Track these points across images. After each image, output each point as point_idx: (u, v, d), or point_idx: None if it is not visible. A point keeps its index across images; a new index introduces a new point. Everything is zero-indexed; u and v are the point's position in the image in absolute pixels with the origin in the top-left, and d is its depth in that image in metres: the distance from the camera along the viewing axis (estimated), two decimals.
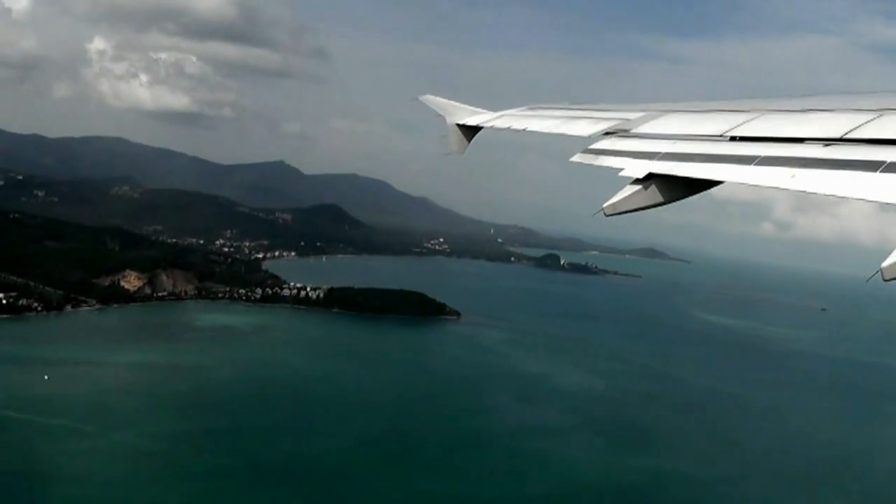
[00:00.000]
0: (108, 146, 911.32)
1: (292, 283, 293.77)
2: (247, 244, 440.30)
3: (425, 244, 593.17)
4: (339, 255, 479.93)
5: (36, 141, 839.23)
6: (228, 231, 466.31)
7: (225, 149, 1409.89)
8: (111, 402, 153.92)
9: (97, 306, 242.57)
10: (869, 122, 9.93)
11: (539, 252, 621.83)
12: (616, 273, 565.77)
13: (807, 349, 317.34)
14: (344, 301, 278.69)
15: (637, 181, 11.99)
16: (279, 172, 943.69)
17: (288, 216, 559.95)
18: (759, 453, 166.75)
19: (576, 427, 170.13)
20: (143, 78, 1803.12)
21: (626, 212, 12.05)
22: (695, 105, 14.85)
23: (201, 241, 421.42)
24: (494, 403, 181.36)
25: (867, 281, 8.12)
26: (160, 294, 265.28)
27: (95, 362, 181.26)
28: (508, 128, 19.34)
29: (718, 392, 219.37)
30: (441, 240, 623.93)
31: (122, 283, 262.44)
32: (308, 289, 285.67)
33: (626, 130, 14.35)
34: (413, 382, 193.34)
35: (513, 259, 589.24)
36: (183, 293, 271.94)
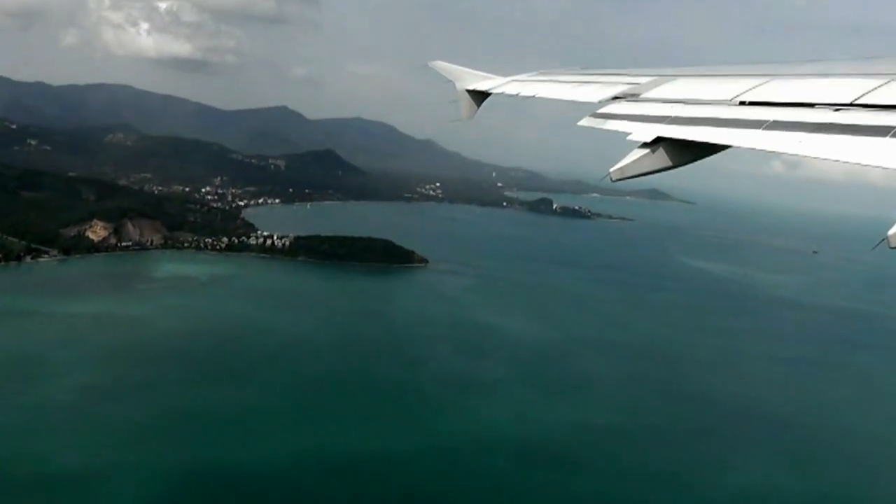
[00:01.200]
0: (113, 93, 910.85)
1: (259, 232, 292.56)
2: (232, 191, 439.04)
3: (419, 189, 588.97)
4: (327, 202, 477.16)
5: (40, 89, 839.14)
6: (218, 178, 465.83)
7: (230, 95, 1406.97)
8: (44, 354, 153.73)
9: (58, 257, 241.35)
10: (879, 87, 9.96)
11: (535, 196, 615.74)
12: (610, 217, 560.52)
13: (788, 296, 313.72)
14: (310, 249, 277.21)
15: (645, 145, 12.08)
16: (282, 118, 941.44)
17: (281, 162, 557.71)
18: (700, 404, 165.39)
19: (513, 379, 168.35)
20: (144, 26, 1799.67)
21: (633, 176, 12.17)
22: (704, 69, 15.03)
23: (187, 189, 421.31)
24: (436, 354, 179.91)
25: (873, 249, 8.60)
26: (124, 244, 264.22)
27: (39, 313, 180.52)
28: (518, 94, 19.60)
29: (677, 341, 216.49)
30: (438, 184, 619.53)
31: (88, 234, 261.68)
32: (275, 237, 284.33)
33: (635, 95, 14.58)
34: (358, 332, 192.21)
35: (505, 204, 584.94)
36: (149, 243, 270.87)
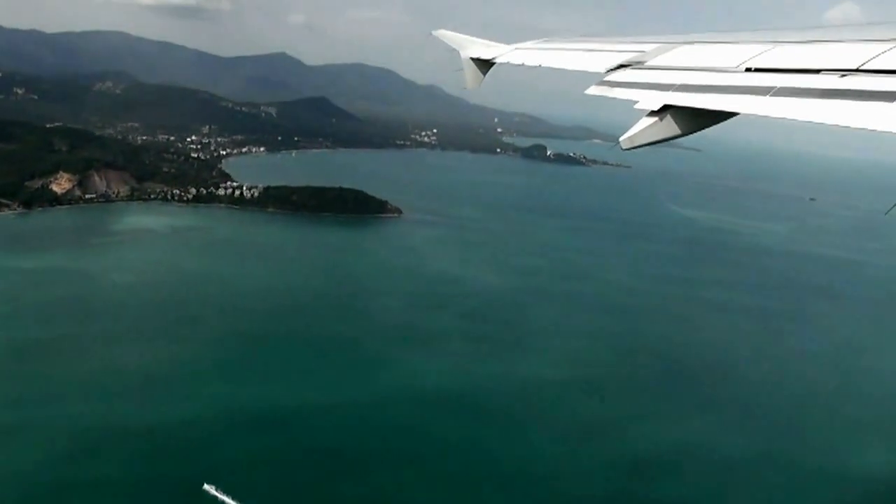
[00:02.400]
0: (109, 40, 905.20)
1: (229, 183, 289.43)
2: (218, 140, 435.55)
3: (413, 136, 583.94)
4: (314, 150, 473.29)
5: (34, 36, 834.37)
6: (207, 127, 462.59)
7: (229, 41, 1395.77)
8: None
9: (19, 210, 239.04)
10: (885, 52, 9.97)
11: (530, 142, 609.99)
12: (606, 163, 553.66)
13: (770, 244, 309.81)
14: (280, 200, 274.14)
15: (653, 113, 12.03)
16: (281, 64, 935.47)
17: (273, 110, 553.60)
18: (648, 356, 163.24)
19: (462, 331, 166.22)
20: None
21: (643, 145, 12.19)
22: (710, 36, 14.88)
23: (172, 138, 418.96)
24: (388, 306, 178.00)
25: (886, 214, 8.99)
26: (89, 196, 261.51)
27: None
28: (522, 63, 19.45)
29: (642, 292, 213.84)
30: (434, 131, 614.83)
31: (53, 186, 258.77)
32: (244, 188, 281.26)
33: (641, 62, 14.50)
34: (313, 283, 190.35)
35: (499, 150, 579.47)
36: (115, 194, 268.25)
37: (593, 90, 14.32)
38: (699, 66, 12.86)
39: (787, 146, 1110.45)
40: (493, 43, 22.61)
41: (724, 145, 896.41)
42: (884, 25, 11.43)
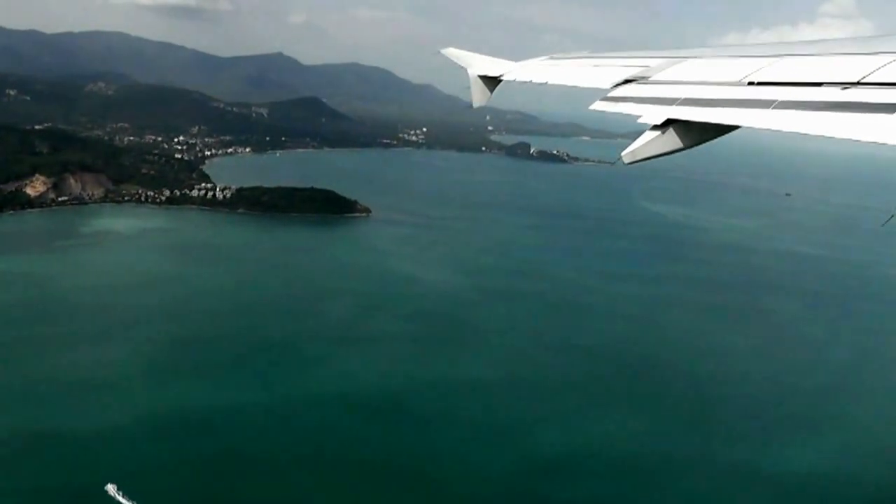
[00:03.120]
0: (108, 41, 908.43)
1: (203, 184, 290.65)
2: (205, 140, 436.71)
3: (402, 135, 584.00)
4: (300, 150, 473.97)
5: (33, 37, 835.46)
6: (196, 127, 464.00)
7: (228, 41, 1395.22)
8: None
9: None
10: (886, 65, 10.04)
11: (515, 140, 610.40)
12: (588, 160, 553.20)
13: (736, 240, 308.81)
14: (251, 201, 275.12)
15: (656, 127, 12.12)
16: (277, 64, 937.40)
17: (264, 110, 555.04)
18: (590, 356, 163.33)
19: (404, 332, 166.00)
20: None
21: (645, 159, 12.21)
22: (714, 51, 15.16)
23: (159, 139, 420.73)
24: (335, 307, 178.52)
25: (883, 225, 9.72)
26: (62, 199, 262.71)
27: None
28: (529, 80, 19.85)
29: (596, 291, 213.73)
30: (424, 129, 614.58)
31: (27, 189, 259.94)
32: (217, 189, 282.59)
33: (645, 77, 14.65)
34: (267, 284, 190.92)
35: (484, 148, 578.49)
36: (89, 197, 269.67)
37: (598, 105, 14.59)
38: (702, 80, 13.13)
39: (779, 141, 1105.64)
40: (499, 60, 23.09)
41: (717, 139, 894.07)
42: (885, 38, 11.71)
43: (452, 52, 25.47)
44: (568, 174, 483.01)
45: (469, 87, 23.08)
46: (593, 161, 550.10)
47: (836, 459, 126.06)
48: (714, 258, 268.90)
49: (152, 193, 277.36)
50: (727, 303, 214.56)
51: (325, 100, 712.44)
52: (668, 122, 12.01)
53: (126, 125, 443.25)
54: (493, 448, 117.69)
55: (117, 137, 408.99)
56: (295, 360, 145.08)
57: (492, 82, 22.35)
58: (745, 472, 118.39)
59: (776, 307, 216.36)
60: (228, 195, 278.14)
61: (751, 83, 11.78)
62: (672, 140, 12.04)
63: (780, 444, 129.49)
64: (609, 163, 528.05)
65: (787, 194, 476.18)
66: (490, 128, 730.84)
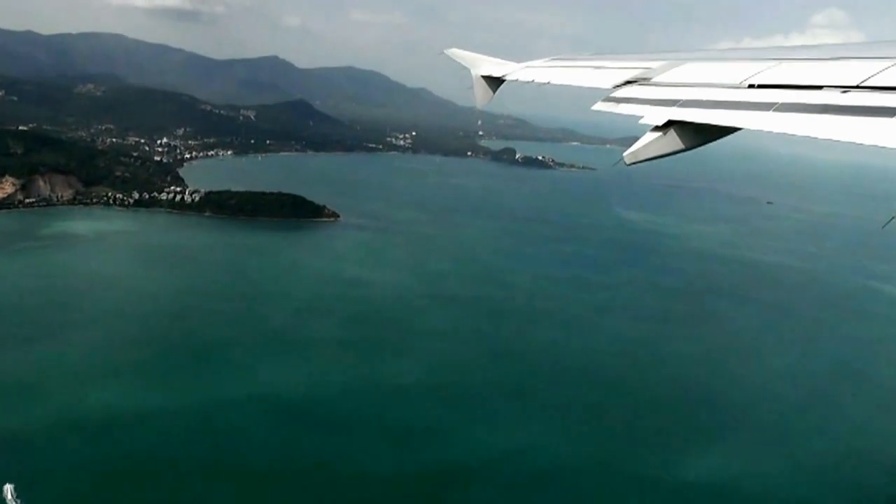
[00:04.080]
0: (104, 43, 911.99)
1: (172, 187, 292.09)
2: (188, 143, 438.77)
3: (389, 139, 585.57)
4: (283, 154, 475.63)
5: (29, 37, 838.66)
6: (182, 129, 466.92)
7: (223, 44, 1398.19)
8: None
9: None
10: (884, 70, 10.24)
11: (502, 145, 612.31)
12: (572, 166, 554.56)
13: (706, 247, 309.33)
14: (218, 205, 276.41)
15: (657, 128, 12.36)
16: (272, 67, 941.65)
17: (252, 113, 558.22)
18: (526, 362, 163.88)
19: (342, 338, 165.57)
20: None
21: (646, 160, 12.46)
22: (714, 53, 15.44)
23: (142, 141, 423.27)
24: (278, 311, 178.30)
25: (883, 228, 9.12)
26: (30, 201, 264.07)
27: None
28: (532, 80, 20.02)
29: (548, 296, 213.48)
30: (413, 133, 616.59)
31: None
32: (186, 192, 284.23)
33: (646, 79, 14.88)
34: (215, 288, 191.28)
35: (469, 153, 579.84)
36: (58, 199, 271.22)
37: (600, 106, 14.70)
38: (703, 82, 13.27)
39: (776, 147, 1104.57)
40: (502, 61, 23.47)
41: (709, 146, 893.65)
42: (884, 44, 11.81)
43: (456, 53, 25.84)
44: (549, 180, 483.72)
45: (471, 88, 23.65)
46: (578, 167, 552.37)
47: (753, 467, 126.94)
48: (677, 265, 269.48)
49: (121, 196, 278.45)
50: (679, 310, 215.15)
51: (317, 103, 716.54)
52: (670, 124, 12.28)
53: (111, 127, 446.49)
54: (404, 453, 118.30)
55: (99, 139, 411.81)
56: (225, 364, 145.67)
57: (494, 83, 22.78)
58: (653, 480, 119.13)
59: (727, 315, 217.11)
60: (197, 198, 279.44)
61: (751, 86, 12.00)
62: (673, 141, 12.27)
63: (699, 452, 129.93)
64: (591, 169, 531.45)
65: (769, 202, 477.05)
66: (480, 132, 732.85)
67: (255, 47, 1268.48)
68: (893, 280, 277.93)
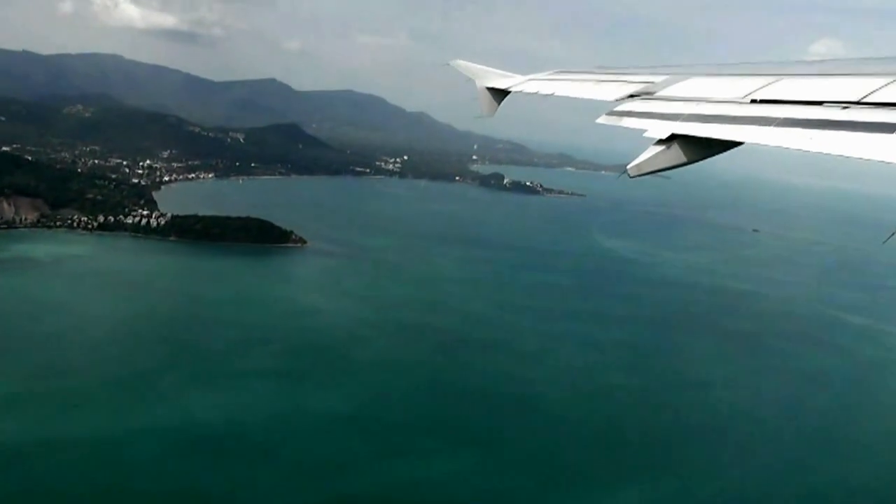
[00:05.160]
0: (102, 63, 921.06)
1: (137, 210, 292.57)
2: (168, 165, 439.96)
3: (378, 163, 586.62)
4: (265, 177, 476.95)
5: (26, 57, 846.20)
6: (168, 151, 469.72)
7: (222, 66, 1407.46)
8: None
9: None
10: (885, 86, 10.38)
11: (490, 170, 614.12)
12: (561, 192, 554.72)
13: (679, 275, 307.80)
14: (183, 229, 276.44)
15: (660, 142, 12.46)
16: (269, 90, 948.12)
17: (241, 135, 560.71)
18: (458, 395, 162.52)
19: (272, 368, 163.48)
20: None
21: (649, 173, 12.57)
22: (718, 68, 15.54)
23: (125, 163, 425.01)
24: (219, 339, 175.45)
25: (884, 243, 9.45)
26: None
27: None
28: (536, 92, 20.25)
29: (505, 326, 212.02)
30: (405, 157, 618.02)
31: None
32: (152, 216, 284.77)
33: (650, 93, 15.07)
34: (158, 314, 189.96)
35: (458, 178, 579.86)
36: (21, 221, 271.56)
37: (603, 119, 14.78)
38: (706, 96, 13.42)
39: (771, 175, 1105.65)
40: (508, 73, 23.55)
41: (705, 173, 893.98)
42: (883, 60, 12.08)
43: (461, 65, 25.92)
44: (534, 206, 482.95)
45: (475, 100, 23.54)
46: (567, 193, 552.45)
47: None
48: (643, 293, 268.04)
49: (86, 219, 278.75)
50: (635, 340, 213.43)
51: (314, 126, 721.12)
52: (673, 137, 12.39)
53: (97, 148, 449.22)
54: (308, 484, 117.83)
55: (81, 161, 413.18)
56: (150, 392, 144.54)
57: (499, 95, 22.80)
58: None
59: (685, 345, 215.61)
60: (162, 222, 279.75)
61: (753, 101, 12.18)
62: (676, 155, 12.38)
63: (613, 492, 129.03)
64: (580, 195, 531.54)
65: (755, 230, 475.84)
66: (475, 157, 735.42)
67: (253, 70, 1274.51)
68: (862, 311, 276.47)
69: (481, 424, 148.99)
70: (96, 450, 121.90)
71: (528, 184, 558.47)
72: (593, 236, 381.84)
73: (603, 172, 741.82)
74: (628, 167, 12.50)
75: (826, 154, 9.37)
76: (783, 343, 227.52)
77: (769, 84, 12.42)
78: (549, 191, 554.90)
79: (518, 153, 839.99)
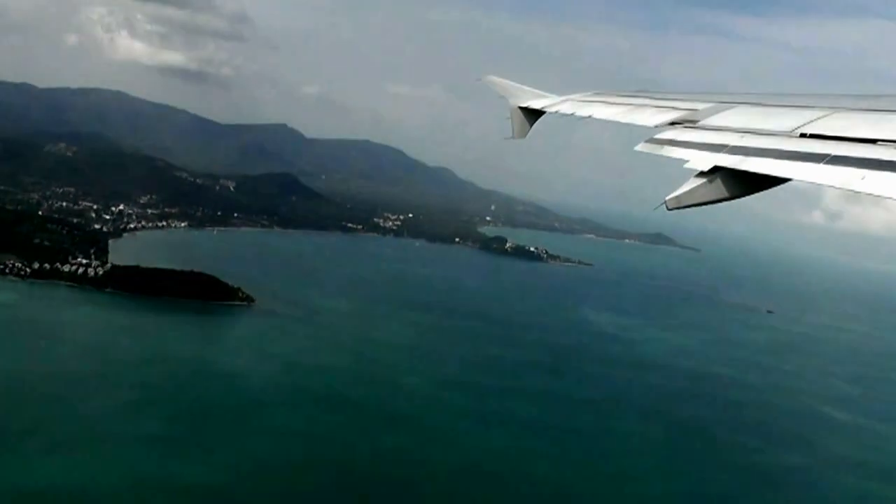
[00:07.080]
0: (103, 99, 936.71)
1: (75, 259, 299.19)
2: (141, 212, 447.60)
3: (377, 219, 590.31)
4: (244, 229, 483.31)
5: (24, 89, 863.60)
6: (147, 197, 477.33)
7: (232, 108, 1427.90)
8: None
9: None
10: None
11: (494, 233, 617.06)
12: (567, 260, 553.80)
13: (658, 356, 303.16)
14: (122, 280, 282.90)
15: (702, 174, 12.53)
16: (279, 136, 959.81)
17: (231, 183, 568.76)
18: (338, 471, 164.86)
19: (145, 433, 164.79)
20: (145, 31, 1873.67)
21: (689, 206, 12.57)
22: (765, 98, 15.69)
23: (96, 206, 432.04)
24: (104, 400, 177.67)
25: None
26: None
27: None
28: (573, 114, 20.44)
29: (429, 401, 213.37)
30: (409, 215, 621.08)
31: None
32: (91, 265, 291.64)
33: (693, 121, 15.27)
34: (55, 369, 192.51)
35: (458, 240, 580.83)
36: None
37: (642, 147, 14.89)
38: (752, 128, 13.37)
39: (809, 251, 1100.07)
40: (543, 93, 23.78)
41: (728, 246, 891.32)
42: None
43: (494, 81, 25.96)
44: (530, 273, 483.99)
45: (509, 119, 23.61)
46: (574, 261, 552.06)
47: None
48: (607, 373, 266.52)
49: (19, 266, 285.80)
50: (571, 424, 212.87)
51: (322, 176, 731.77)
52: (716, 170, 12.35)
53: (70, 189, 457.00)
54: None
55: (47, 202, 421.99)
56: (9, 454, 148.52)
57: (532, 116, 22.93)
58: None
59: (625, 431, 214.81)
60: (101, 272, 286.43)
61: (802, 135, 12.15)
62: (718, 189, 12.27)
63: None
64: (587, 264, 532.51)
65: (769, 311, 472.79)
66: (488, 217, 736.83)
67: (264, 114, 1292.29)
68: (851, 405, 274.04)
69: None
70: None
71: (531, 249, 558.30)
72: (580, 309, 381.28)
73: (627, 241, 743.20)
74: (667, 199, 12.35)
75: (879, 196, 9.37)
76: (744, 437, 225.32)
77: (820, 118, 12.40)
78: (555, 257, 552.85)
79: (538, 216, 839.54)
